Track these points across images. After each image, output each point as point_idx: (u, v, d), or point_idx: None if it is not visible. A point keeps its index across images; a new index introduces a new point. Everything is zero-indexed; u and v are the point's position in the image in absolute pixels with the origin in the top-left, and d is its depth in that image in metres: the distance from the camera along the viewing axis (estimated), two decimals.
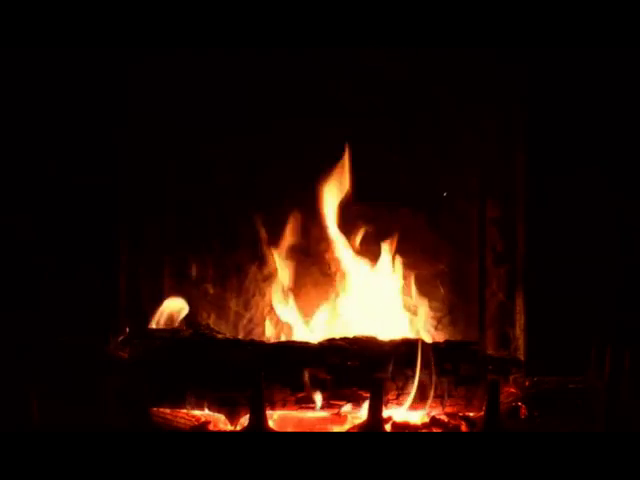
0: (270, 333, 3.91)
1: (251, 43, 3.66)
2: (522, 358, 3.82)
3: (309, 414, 3.22)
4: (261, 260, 4.01)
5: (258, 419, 2.96)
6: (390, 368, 3.18)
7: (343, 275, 3.94)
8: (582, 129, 3.85)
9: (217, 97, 3.95)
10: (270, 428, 3.01)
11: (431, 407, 3.25)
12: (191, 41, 3.61)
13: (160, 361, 3.18)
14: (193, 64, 3.88)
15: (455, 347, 3.41)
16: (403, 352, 3.26)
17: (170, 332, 3.47)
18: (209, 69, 3.91)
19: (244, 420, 3.08)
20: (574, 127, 3.85)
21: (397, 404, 3.22)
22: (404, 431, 3.12)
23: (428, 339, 3.75)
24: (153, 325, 3.60)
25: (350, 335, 3.43)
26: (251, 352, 3.22)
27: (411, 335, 3.78)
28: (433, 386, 3.22)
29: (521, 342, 3.94)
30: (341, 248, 3.92)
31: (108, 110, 3.82)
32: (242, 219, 3.98)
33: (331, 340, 3.34)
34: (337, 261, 3.94)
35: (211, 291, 3.99)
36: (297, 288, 4.02)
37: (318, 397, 3.14)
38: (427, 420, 3.24)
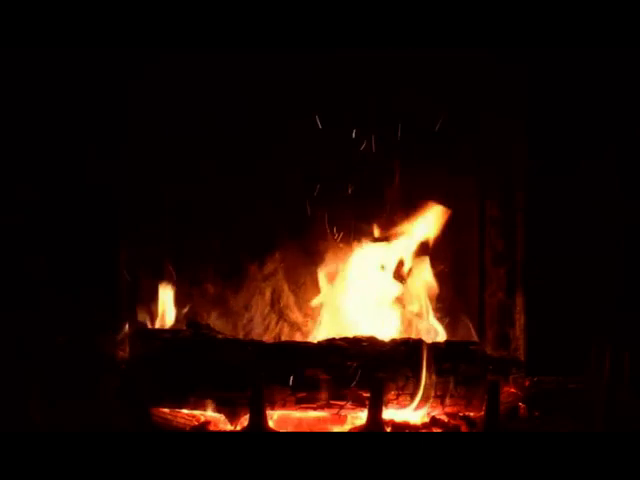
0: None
1: (248, 47, 3.67)
2: (522, 358, 3.82)
3: (309, 414, 3.22)
4: (261, 260, 4.01)
5: (258, 419, 2.96)
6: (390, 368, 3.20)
7: (343, 275, 3.94)
8: (582, 129, 3.85)
9: (217, 102, 3.95)
10: (270, 428, 3.01)
11: (431, 407, 3.25)
12: (190, 43, 3.62)
13: (160, 361, 3.18)
14: (192, 69, 3.88)
15: (455, 347, 3.41)
16: (403, 352, 3.26)
17: (170, 332, 3.48)
18: (207, 73, 3.91)
19: (244, 420, 3.09)
20: (574, 127, 3.85)
21: (397, 404, 3.22)
22: (404, 431, 3.12)
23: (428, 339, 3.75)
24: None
25: (350, 335, 3.43)
26: (251, 352, 3.23)
27: (411, 335, 3.77)
28: (433, 386, 3.23)
29: (521, 342, 3.94)
30: (342, 249, 3.92)
31: (109, 112, 3.82)
32: (242, 219, 3.98)
33: (331, 340, 3.34)
34: (337, 261, 3.94)
35: (211, 291, 3.99)
36: (297, 288, 4.02)
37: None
38: (427, 420, 3.24)
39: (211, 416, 3.19)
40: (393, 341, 3.36)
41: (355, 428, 3.12)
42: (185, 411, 3.18)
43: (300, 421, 3.24)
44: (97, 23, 3.53)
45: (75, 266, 3.79)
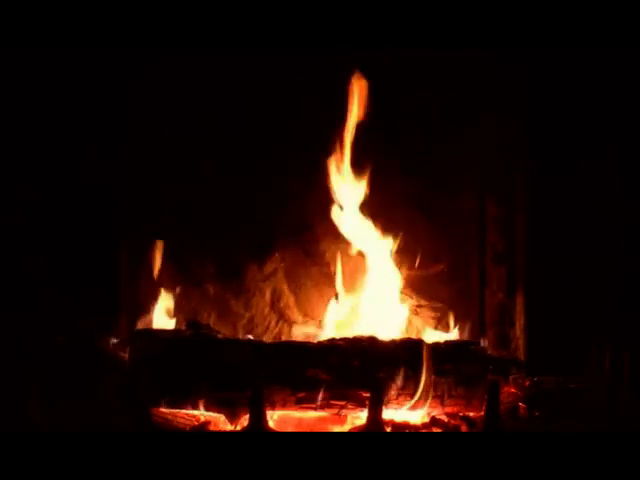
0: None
1: (248, 47, 3.68)
2: (522, 358, 3.81)
3: (309, 414, 3.22)
4: (261, 260, 4.02)
5: (258, 419, 2.96)
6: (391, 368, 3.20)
7: (343, 275, 3.94)
8: (582, 129, 3.85)
9: (217, 102, 3.95)
10: (270, 428, 3.01)
11: (431, 407, 3.25)
12: (190, 43, 3.63)
13: (160, 361, 3.18)
14: (192, 69, 3.89)
15: (455, 347, 3.41)
16: (403, 352, 3.26)
17: (170, 332, 3.48)
18: (207, 73, 3.91)
19: (244, 420, 3.09)
20: (574, 127, 3.85)
21: (397, 404, 3.22)
22: (404, 431, 3.12)
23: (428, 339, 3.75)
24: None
25: (350, 335, 3.43)
26: (251, 352, 3.23)
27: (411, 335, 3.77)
28: (433, 386, 3.23)
29: (521, 342, 3.94)
30: (342, 248, 3.92)
31: (109, 112, 3.83)
32: (242, 219, 3.98)
33: (331, 340, 3.34)
34: (337, 261, 3.94)
35: (211, 291, 3.99)
36: (297, 288, 4.03)
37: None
38: (427, 420, 3.24)
39: (211, 416, 3.19)
40: (393, 341, 3.36)
41: (355, 428, 3.12)
42: (185, 411, 3.18)
43: (300, 421, 3.24)
44: (97, 23, 3.54)
45: (75, 266, 3.80)
